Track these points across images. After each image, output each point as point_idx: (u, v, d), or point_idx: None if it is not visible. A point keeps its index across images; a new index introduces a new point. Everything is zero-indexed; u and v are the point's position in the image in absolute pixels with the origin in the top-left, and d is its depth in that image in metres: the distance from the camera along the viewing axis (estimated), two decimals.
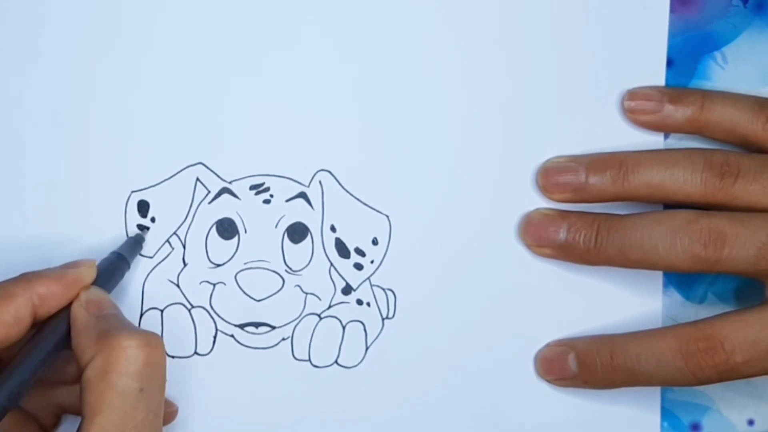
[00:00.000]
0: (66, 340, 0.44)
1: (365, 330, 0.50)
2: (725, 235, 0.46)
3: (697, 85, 0.51)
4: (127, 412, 0.41)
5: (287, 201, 0.50)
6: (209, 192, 0.49)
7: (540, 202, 0.50)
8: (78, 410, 0.46)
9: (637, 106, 0.50)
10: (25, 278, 0.44)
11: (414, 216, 0.50)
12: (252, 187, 0.49)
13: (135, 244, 0.49)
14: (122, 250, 0.48)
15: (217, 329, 0.49)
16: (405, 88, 0.50)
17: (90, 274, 0.45)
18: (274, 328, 0.49)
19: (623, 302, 0.50)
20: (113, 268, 0.47)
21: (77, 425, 0.42)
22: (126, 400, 0.41)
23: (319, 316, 0.50)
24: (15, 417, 0.46)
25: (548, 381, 0.50)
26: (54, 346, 0.44)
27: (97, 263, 0.46)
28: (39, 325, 0.44)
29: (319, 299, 0.50)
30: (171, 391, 0.49)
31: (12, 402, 0.42)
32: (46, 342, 0.44)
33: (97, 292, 0.45)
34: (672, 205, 0.49)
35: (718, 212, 0.47)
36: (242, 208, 0.49)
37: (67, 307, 0.44)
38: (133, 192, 0.49)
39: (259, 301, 0.49)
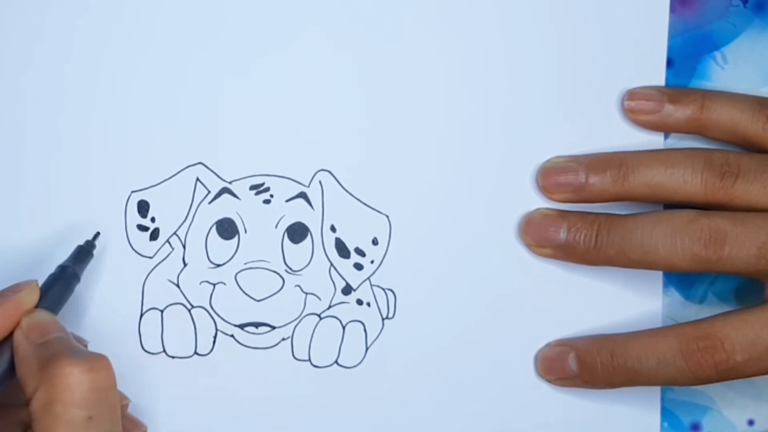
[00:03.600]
0: (12, 370, 0.42)
1: (365, 330, 0.50)
2: (725, 235, 0.46)
3: (697, 85, 0.51)
4: None
5: (287, 201, 0.50)
6: (209, 192, 0.49)
7: (540, 202, 0.50)
8: None
9: (637, 106, 0.50)
10: None
11: (414, 216, 0.50)
12: (252, 187, 0.49)
13: (82, 253, 0.47)
14: (69, 262, 0.46)
15: (217, 329, 0.49)
16: (405, 88, 0.50)
17: (31, 298, 0.44)
18: (274, 328, 0.49)
19: (623, 302, 0.50)
20: (59, 284, 0.45)
21: None
22: (74, 431, 0.40)
23: (319, 316, 0.50)
24: None
25: (548, 381, 0.50)
26: (0, 378, 0.42)
27: (40, 283, 0.45)
28: None
29: (319, 299, 0.50)
30: (171, 391, 0.49)
31: None
32: None
33: (40, 316, 0.43)
34: (672, 205, 0.49)
35: (718, 212, 0.47)
36: (242, 208, 0.49)
37: (10, 336, 0.43)
38: (133, 192, 0.49)
39: (259, 301, 0.49)
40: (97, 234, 0.48)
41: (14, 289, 0.44)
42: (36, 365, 0.41)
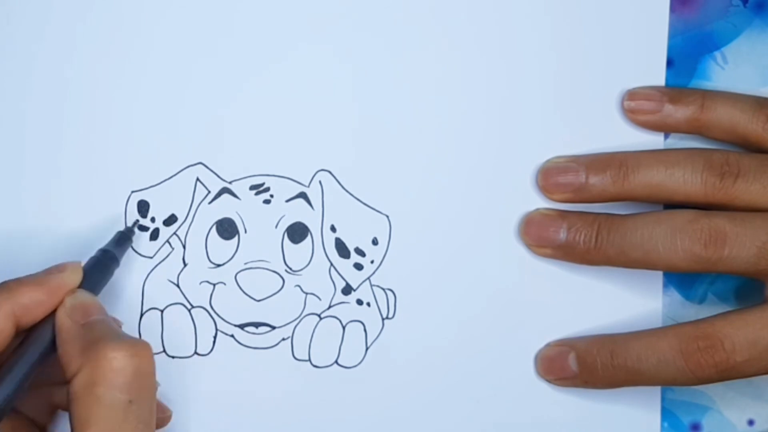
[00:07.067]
0: (53, 348, 0.43)
1: (365, 330, 0.50)
2: (725, 235, 0.46)
3: (697, 85, 0.51)
4: (117, 425, 0.40)
5: (287, 201, 0.50)
6: (209, 192, 0.49)
7: (540, 202, 0.50)
8: None
9: (637, 106, 0.50)
10: (6, 288, 0.43)
11: (414, 216, 0.50)
12: (252, 187, 0.49)
13: (123, 238, 0.48)
14: (109, 246, 0.47)
15: (217, 329, 0.49)
16: (405, 88, 0.50)
17: (75, 278, 0.44)
18: (274, 328, 0.49)
19: (623, 302, 0.50)
20: (100, 267, 0.46)
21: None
22: (115, 414, 0.40)
23: (319, 316, 0.50)
24: (8, 418, 0.45)
25: (548, 381, 0.50)
26: (40, 356, 0.43)
27: (83, 264, 0.45)
28: (25, 333, 0.43)
29: (319, 299, 0.50)
30: (171, 391, 0.49)
31: (0, 414, 0.41)
32: (32, 352, 0.43)
33: (83, 296, 0.44)
34: (672, 205, 0.49)
35: (718, 212, 0.47)
36: (242, 208, 0.49)
37: (53, 314, 0.43)
38: (133, 192, 0.49)
39: (259, 301, 0.49)
40: (137, 221, 0.48)
41: (58, 268, 0.44)
42: (79, 346, 0.42)
